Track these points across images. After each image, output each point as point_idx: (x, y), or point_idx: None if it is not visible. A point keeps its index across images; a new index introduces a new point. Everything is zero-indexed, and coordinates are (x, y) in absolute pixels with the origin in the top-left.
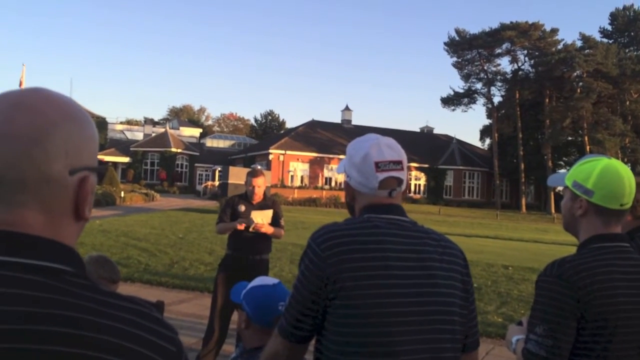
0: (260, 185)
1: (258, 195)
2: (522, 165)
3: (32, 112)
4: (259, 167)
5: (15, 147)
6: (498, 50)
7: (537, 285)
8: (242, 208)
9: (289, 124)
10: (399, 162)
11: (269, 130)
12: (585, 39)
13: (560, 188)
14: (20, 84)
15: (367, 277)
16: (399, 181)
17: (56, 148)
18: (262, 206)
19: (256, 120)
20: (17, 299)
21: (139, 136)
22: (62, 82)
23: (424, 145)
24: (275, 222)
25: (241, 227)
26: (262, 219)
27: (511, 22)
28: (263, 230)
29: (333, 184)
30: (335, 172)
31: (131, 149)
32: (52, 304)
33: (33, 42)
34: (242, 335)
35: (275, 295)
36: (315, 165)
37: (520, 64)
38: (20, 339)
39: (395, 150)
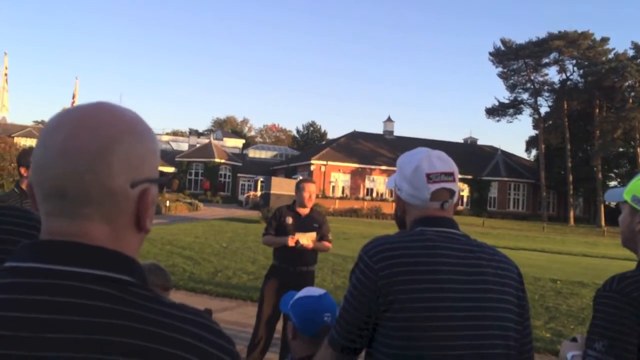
0: (312, 192)
1: (311, 201)
2: (570, 177)
3: (94, 128)
4: (300, 177)
5: (79, 163)
6: (545, 60)
7: (596, 300)
8: (290, 220)
9: (331, 135)
10: (451, 174)
11: (310, 141)
12: (637, 47)
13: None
14: (74, 96)
15: (420, 290)
16: (451, 193)
17: (118, 162)
18: (308, 220)
19: (298, 131)
20: (81, 309)
21: (184, 147)
22: (112, 97)
23: (468, 157)
24: (322, 237)
25: (292, 242)
26: (307, 240)
27: (559, 32)
28: (310, 247)
29: (374, 194)
30: (376, 183)
31: (176, 159)
32: (115, 314)
33: (86, 58)
34: (290, 345)
35: (320, 306)
36: (357, 176)
37: (568, 74)
38: (83, 349)
39: (446, 162)
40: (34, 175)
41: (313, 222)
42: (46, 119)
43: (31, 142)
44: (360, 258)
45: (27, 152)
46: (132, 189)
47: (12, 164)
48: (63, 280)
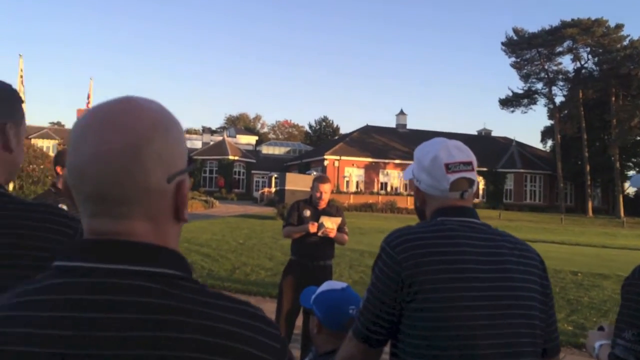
0: (327, 191)
1: (324, 201)
2: (588, 167)
3: (123, 129)
4: (314, 173)
5: (113, 165)
6: (559, 49)
7: (624, 289)
8: (308, 213)
9: (343, 130)
10: (469, 163)
11: (323, 137)
12: None
13: (631, 190)
14: (88, 96)
15: (444, 280)
16: (470, 182)
17: (152, 160)
18: (327, 212)
19: (310, 127)
20: (133, 306)
21: (198, 145)
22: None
23: (482, 149)
24: (339, 228)
25: (313, 228)
26: (332, 223)
27: (572, 20)
28: (332, 235)
29: (389, 189)
30: (390, 177)
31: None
32: (166, 309)
33: (99, 58)
34: (314, 339)
35: (344, 299)
36: (371, 171)
37: (583, 62)
38: (138, 346)
39: (464, 152)
40: (71, 179)
41: (331, 214)
42: (62, 120)
43: (48, 144)
44: (383, 249)
45: (64, 151)
46: (168, 183)
47: (31, 166)
48: (111, 279)
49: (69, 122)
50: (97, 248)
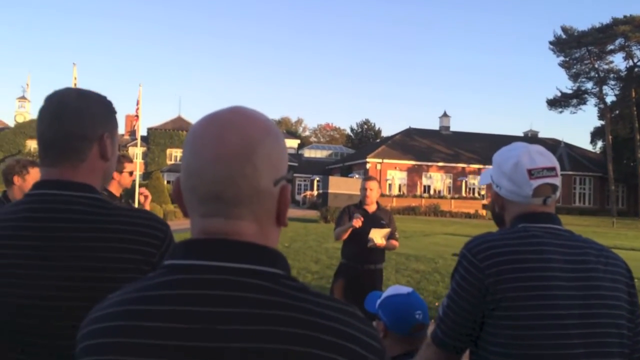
0: (373, 188)
1: (370, 199)
2: None
3: (240, 133)
4: (356, 176)
5: (231, 166)
6: (610, 47)
7: None
8: (361, 217)
9: (385, 133)
10: (553, 169)
11: (365, 140)
12: None
13: None
14: (137, 102)
15: (529, 288)
16: (554, 188)
17: (263, 163)
18: (376, 217)
19: (352, 130)
20: (243, 302)
21: None
22: (172, 102)
23: None
24: (390, 235)
25: (357, 223)
26: (381, 238)
27: (625, 16)
28: (382, 247)
29: (432, 192)
30: (433, 180)
31: None
32: (274, 305)
33: (147, 66)
34: None
35: (410, 304)
36: (414, 173)
37: (636, 60)
38: (252, 339)
39: (546, 157)
40: (187, 181)
41: (381, 219)
42: None
43: None
44: (464, 256)
45: (119, 158)
46: (275, 187)
47: None
48: (222, 275)
49: (120, 128)
50: (208, 246)
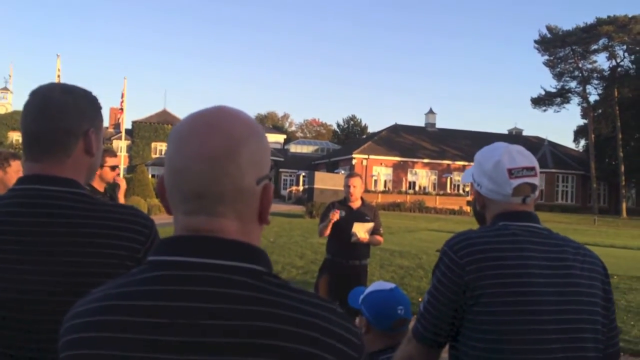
0: (356, 185)
1: (354, 196)
2: (622, 168)
3: (223, 133)
4: (342, 172)
5: (214, 166)
6: (594, 47)
7: None
8: (343, 213)
9: (371, 129)
10: (532, 169)
11: (351, 135)
12: None
13: None
14: (122, 95)
15: (508, 284)
16: (533, 187)
17: (246, 162)
18: (361, 213)
19: (338, 126)
20: (227, 298)
21: None
22: (157, 94)
23: None
24: (374, 230)
25: (334, 216)
26: (364, 232)
27: (608, 17)
28: (364, 241)
29: (417, 188)
30: (418, 176)
31: None
32: (256, 301)
33: (132, 57)
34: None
35: (393, 299)
36: (399, 170)
37: (619, 60)
38: (236, 334)
39: (526, 157)
40: (171, 179)
41: (365, 215)
42: None
43: None
44: (445, 253)
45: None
46: (258, 185)
47: None
48: (206, 272)
49: (104, 121)
50: (192, 243)
